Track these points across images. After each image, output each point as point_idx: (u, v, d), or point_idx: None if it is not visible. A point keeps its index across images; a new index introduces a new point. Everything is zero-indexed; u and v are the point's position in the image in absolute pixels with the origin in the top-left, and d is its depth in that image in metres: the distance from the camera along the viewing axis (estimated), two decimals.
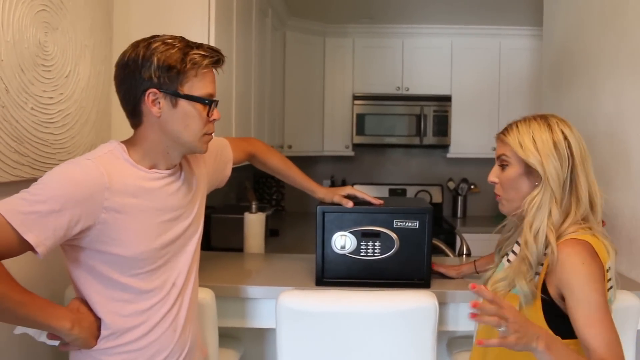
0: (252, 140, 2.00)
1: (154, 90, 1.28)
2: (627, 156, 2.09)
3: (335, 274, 1.85)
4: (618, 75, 2.15)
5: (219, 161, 1.72)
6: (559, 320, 1.31)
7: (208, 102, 1.32)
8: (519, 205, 1.41)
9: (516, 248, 1.50)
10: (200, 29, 2.20)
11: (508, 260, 1.51)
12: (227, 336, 2.01)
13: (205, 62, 1.30)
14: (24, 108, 1.51)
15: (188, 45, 1.31)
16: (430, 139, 4.31)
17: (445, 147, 4.41)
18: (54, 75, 1.66)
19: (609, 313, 1.25)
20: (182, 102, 1.30)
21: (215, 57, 1.33)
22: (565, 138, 1.36)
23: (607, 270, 1.31)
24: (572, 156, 1.35)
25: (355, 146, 4.45)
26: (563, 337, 1.28)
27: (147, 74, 1.27)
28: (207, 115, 1.34)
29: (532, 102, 4.21)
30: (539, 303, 1.32)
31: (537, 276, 1.34)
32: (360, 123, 4.33)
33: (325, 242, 1.84)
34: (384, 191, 4.56)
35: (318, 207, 1.85)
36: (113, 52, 2.03)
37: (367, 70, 4.41)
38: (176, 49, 1.28)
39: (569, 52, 2.60)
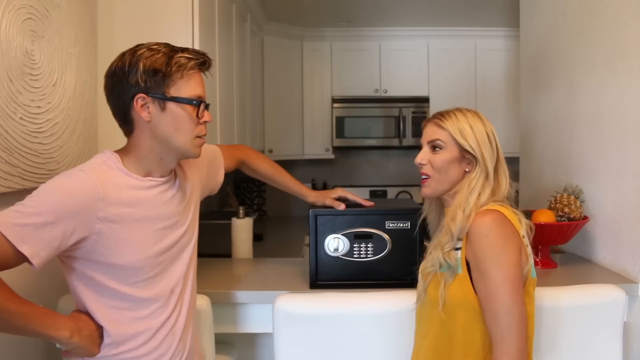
0: (241, 147, 2.00)
1: (142, 95, 1.28)
2: (606, 153, 2.15)
3: (329, 277, 1.86)
4: (596, 74, 2.21)
5: (211, 167, 1.72)
6: None
7: (196, 102, 1.32)
8: (446, 188, 1.50)
9: None
10: (185, 36, 2.19)
11: None
12: (220, 342, 2.00)
13: (191, 64, 1.31)
14: (13, 118, 1.49)
15: (173, 50, 1.32)
16: (409, 140, 4.35)
17: None
18: (42, 84, 1.64)
19: (510, 287, 1.31)
20: (171, 105, 1.30)
21: (200, 59, 1.33)
22: (493, 133, 1.49)
23: (523, 237, 1.40)
24: (497, 150, 1.48)
25: (336, 149, 4.47)
26: None
27: (134, 79, 1.28)
28: (197, 116, 1.33)
29: (508, 101, 4.30)
30: (466, 276, 1.38)
31: (459, 251, 1.41)
32: (339, 126, 4.36)
33: (318, 245, 1.85)
34: (365, 193, 4.58)
35: (310, 210, 1.86)
36: (98, 60, 2.01)
37: (345, 73, 4.44)
38: (161, 53, 1.29)
39: (547, 52, 2.67)
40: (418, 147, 4.86)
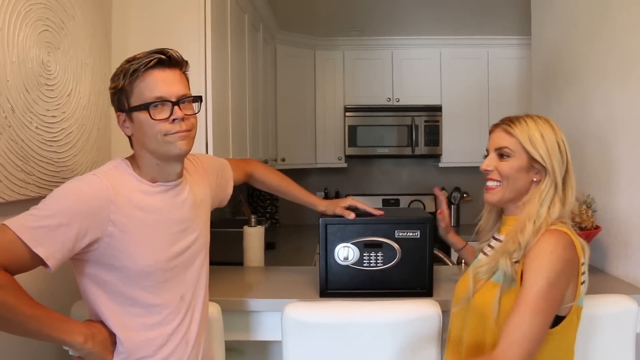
0: (250, 160, 2.03)
1: (119, 113, 1.37)
2: (618, 161, 2.13)
3: (339, 285, 1.87)
4: (608, 82, 2.20)
5: (220, 178, 1.74)
6: None
7: (143, 106, 1.30)
8: (512, 196, 1.47)
9: (493, 243, 1.54)
10: (197, 46, 2.23)
11: (484, 254, 1.55)
12: (230, 349, 2.01)
13: (135, 67, 1.30)
14: (29, 127, 1.52)
15: (129, 59, 1.33)
16: (422, 149, 4.35)
17: (437, 156, 4.45)
18: (57, 94, 1.67)
19: (545, 306, 1.26)
20: (134, 115, 1.33)
21: (147, 59, 1.30)
22: (564, 142, 1.45)
23: (582, 264, 1.37)
24: (567, 159, 1.44)
25: (348, 157, 4.48)
26: None
27: (112, 101, 1.38)
28: (152, 118, 1.30)
29: (521, 110, 4.25)
30: (519, 288, 1.34)
31: (517, 264, 1.37)
32: (352, 134, 4.37)
33: (328, 253, 1.86)
34: (377, 202, 4.58)
35: (320, 219, 1.87)
36: (112, 70, 2.04)
37: (357, 82, 4.45)
38: (120, 68, 1.34)
39: (558, 61, 2.66)
40: (431, 156, 4.87)
